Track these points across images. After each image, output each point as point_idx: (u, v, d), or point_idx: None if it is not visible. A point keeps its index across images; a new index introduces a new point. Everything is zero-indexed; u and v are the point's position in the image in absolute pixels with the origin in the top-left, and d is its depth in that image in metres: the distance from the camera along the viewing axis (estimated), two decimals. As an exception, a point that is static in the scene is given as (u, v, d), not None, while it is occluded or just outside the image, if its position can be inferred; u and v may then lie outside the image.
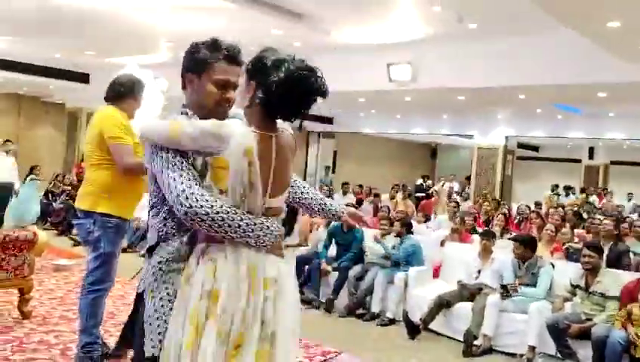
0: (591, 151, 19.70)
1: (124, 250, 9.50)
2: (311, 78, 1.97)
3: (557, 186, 17.74)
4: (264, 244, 1.94)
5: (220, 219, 1.84)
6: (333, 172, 18.34)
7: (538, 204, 13.01)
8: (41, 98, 15.82)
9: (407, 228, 6.73)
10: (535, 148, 21.07)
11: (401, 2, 6.79)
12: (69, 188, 10.84)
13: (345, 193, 13.30)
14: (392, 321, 5.99)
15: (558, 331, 4.90)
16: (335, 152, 20.09)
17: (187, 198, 1.82)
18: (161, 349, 1.92)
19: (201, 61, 2.07)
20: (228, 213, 1.86)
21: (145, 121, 1.91)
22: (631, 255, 6.58)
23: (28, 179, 9.68)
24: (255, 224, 1.92)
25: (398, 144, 23.00)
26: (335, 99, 12.33)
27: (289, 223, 11.05)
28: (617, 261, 6.39)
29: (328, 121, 18.09)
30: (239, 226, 1.88)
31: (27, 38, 10.09)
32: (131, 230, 9.55)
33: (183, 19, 7.99)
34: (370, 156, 22.05)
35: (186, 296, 1.91)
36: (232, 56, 2.08)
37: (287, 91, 1.93)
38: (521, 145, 17.77)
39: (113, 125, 3.44)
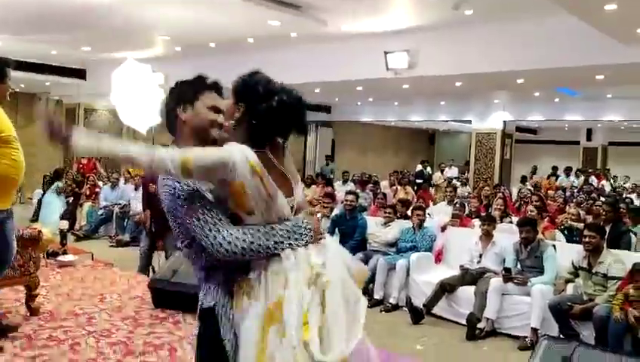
0: (589, 132, 19.71)
1: (126, 244, 9.69)
2: (300, 109, 2.09)
3: (556, 168, 17.79)
4: (305, 242, 2.00)
5: (257, 246, 1.92)
6: (333, 160, 18.34)
7: (536, 187, 13.05)
8: (38, 95, 15.79)
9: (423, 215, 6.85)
10: (533, 131, 21.07)
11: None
12: (74, 184, 10.84)
13: (345, 181, 13.34)
14: (395, 307, 6.05)
15: (560, 312, 4.95)
16: (333, 141, 20.08)
17: (221, 245, 1.90)
18: None
19: (193, 91, 2.19)
20: (260, 238, 1.93)
21: (159, 150, 1.91)
22: (632, 235, 6.64)
23: (53, 186, 9.70)
24: (288, 230, 1.99)
25: (397, 131, 22.99)
26: (333, 88, 12.44)
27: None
28: (618, 241, 6.45)
29: (326, 109, 18.06)
30: (276, 242, 1.96)
31: (23, 35, 10.05)
32: (133, 225, 9.59)
33: (179, 13, 7.96)
34: (369, 144, 22.04)
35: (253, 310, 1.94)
36: (219, 88, 2.24)
37: (276, 119, 2.02)
38: (519, 129, 17.77)
39: None
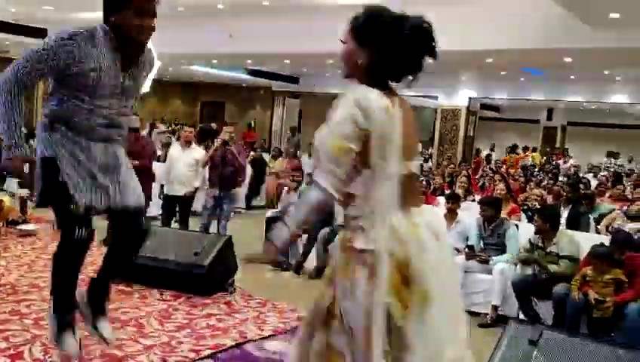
0: (549, 112, 20.12)
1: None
2: (432, 31, 1.92)
3: (516, 146, 18.12)
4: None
5: None
6: (299, 132, 18.25)
7: (498, 164, 13.28)
8: (-5, 54, 15.19)
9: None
10: (496, 109, 21.39)
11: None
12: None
13: (311, 154, 13.29)
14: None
15: (522, 292, 5.10)
16: (300, 112, 19.94)
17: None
18: None
19: None
20: None
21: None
22: (591, 219, 6.82)
23: None
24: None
25: (363, 104, 22.95)
26: (303, 60, 12.27)
27: (255, 185, 11.12)
28: (577, 223, 6.64)
29: (294, 80, 17.88)
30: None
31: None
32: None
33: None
34: (335, 116, 21.95)
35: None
36: None
37: (413, 46, 1.88)
38: (483, 106, 18.00)
39: None
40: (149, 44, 2.78)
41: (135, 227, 2.92)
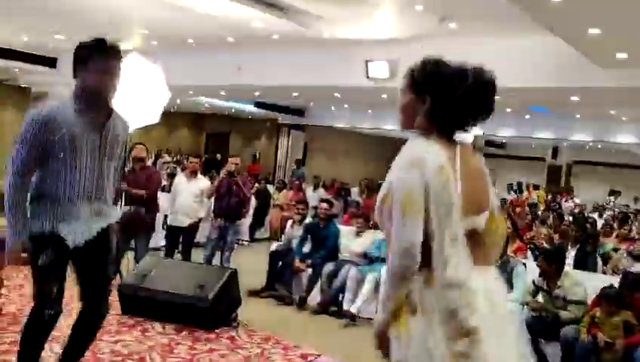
0: (555, 150, 20.14)
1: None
2: (494, 84, 1.92)
3: (520, 184, 18.08)
4: None
5: None
6: (304, 165, 18.27)
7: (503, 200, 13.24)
8: (4, 81, 15.32)
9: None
10: (501, 146, 21.44)
11: (383, 0, 6.77)
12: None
13: (316, 187, 13.27)
14: (365, 319, 6.01)
15: (530, 332, 4.99)
16: (305, 145, 20.01)
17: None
18: None
19: (87, 55, 2.67)
20: None
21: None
22: (598, 259, 6.74)
23: None
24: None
25: (367, 138, 23.05)
26: (311, 92, 12.36)
27: (259, 216, 11.07)
28: (585, 262, 6.56)
29: (300, 113, 17.99)
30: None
31: (-7, 19, 9.73)
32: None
33: (160, 8, 7.80)
34: (340, 150, 22.04)
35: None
36: (116, 52, 2.69)
37: (476, 98, 1.87)
38: (487, 143, 18.03)
39: None
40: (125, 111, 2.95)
41: (99, 298, 2.93)
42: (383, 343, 1.92)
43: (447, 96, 1.86)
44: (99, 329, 3.07)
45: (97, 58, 2.62)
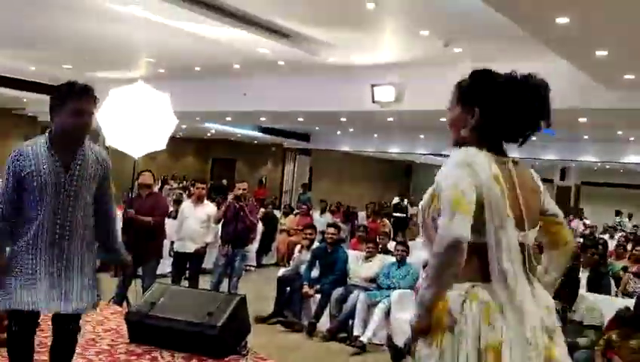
0: (563, 172, 20.05)
1: (97, 270, 9.32)
2: (546, 87, 1.86)
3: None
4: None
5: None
6: (310, 189, 18.24)
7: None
8: (13, 110, 15.46)
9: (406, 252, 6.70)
10: (508, 168, 21.39)
11: (388, 25, 6.82)
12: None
13: (323, 211, 13.23)
14: (375, 345, 5.92)
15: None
16: (311, 169, 20.03)
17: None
18: None
19: (62, 98, 2.76)
20: None
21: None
22: (611, 280, 6.64)
23: None
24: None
25: (373, 162, 23.08)
26: (317, 117, 12.40)
27: (266, 242, 11.01)
28: (598, 285, 6.45)
29: (305, 138, 18.04)
30: None
31: (2, 49, 9.84)
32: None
33: (167, 36, 7.88)
34: (345, 174, 22.04)
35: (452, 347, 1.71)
36: (89, 93, 2.77)
37: (526, 106, 1.81)
38: (495, 165, 17.98)
39: None
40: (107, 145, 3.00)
41: (65, 335, 2.99)
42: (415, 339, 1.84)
43: (497, 106, 1.81)
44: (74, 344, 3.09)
45: (70, 100, 2.72)
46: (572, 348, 4.73)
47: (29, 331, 2.91)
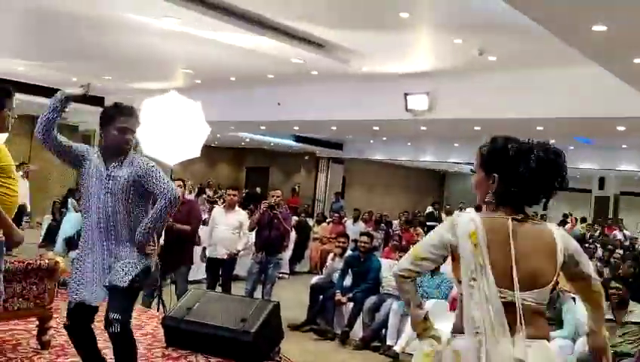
0: (601, 181, 19.60)
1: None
2: (561, 163, 1.99)
3: (566, 216, 17.61)
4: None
5: None
6: (343, 198, 18.25)
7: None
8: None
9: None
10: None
11: (422, 34, 6.83)
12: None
13: (356, 220, 13.21)
14: (408, 355, 5.89)
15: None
16: (344, 178, 20.03)
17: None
18: None
19: (108, 116, 3.22)
20: None
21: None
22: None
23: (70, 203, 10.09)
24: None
25: (406, 170, 22.96)
26: (350, 126, 12.44)
27: (299, 250, 11.07)
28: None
29: (338, 146, 18.09)
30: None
31: (46, 61, 10.17)
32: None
33: (203, 48, 8.04)
34: (378, 182, 21.98)
35: None
36: (131, 113, 3.24)
37: (541, 176, 1.95)
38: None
39: None
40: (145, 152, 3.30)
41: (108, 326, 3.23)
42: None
43: (513, 176, 1.95)
44: (118, 346, 3.27)
45: (117, 118, 3.18)
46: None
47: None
